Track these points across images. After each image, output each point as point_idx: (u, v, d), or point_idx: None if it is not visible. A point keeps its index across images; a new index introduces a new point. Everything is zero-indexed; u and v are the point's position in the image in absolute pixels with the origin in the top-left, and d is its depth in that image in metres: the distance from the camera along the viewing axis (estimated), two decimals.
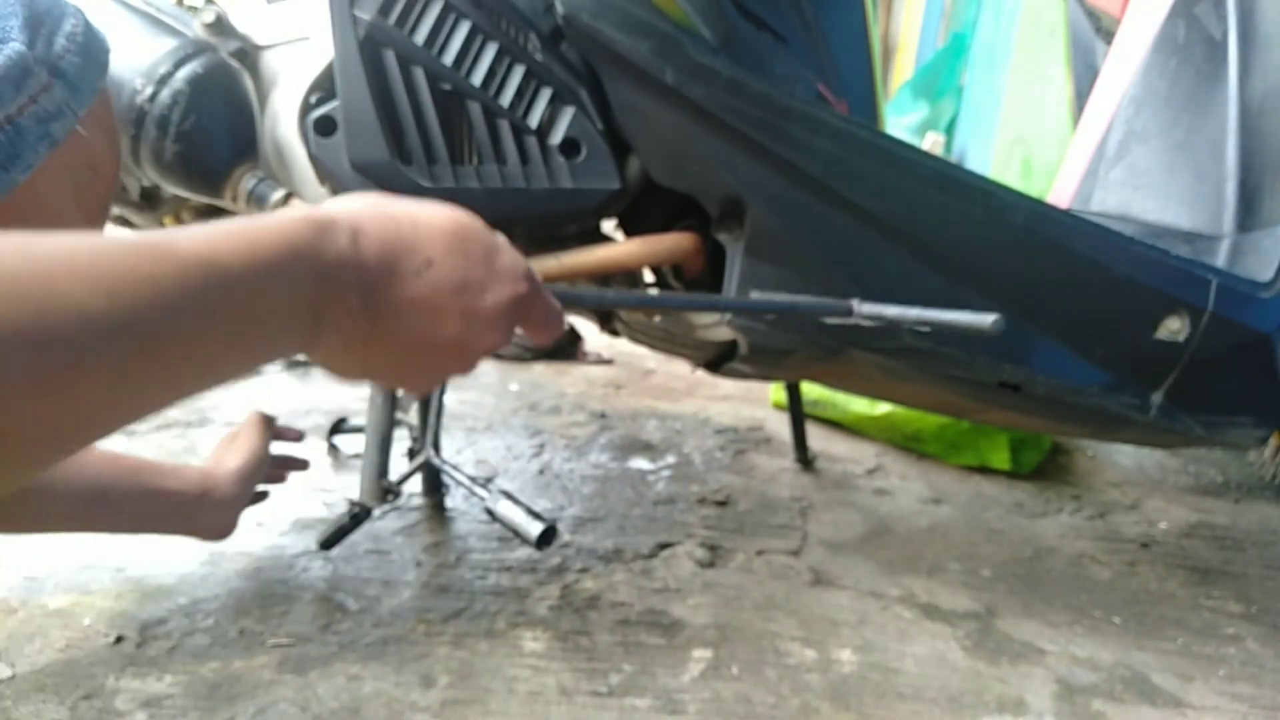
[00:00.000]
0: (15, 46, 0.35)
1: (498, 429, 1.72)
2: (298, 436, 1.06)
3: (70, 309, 0.26)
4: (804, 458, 1.56)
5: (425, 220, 0.43)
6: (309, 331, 0.36)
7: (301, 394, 1.93)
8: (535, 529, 0.96)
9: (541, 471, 1.46)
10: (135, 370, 0.29)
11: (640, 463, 1.55)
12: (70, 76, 0.37)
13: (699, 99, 0.79)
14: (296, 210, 0.38)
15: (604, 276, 0.94)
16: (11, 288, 0.25)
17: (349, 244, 0.37)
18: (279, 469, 1.04)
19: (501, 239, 0.49)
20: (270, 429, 0.99)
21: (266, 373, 2.11)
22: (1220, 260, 0.97)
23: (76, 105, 0.38)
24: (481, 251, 0.45)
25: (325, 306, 0.36)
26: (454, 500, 1.29)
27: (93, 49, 0.39)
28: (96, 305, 0.27)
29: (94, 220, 0.43)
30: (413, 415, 1.23)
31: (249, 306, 0.32)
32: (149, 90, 0.84)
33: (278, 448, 1.03)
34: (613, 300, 0.73)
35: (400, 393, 1.14)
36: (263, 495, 1.03)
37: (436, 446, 1.23)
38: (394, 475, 1.10)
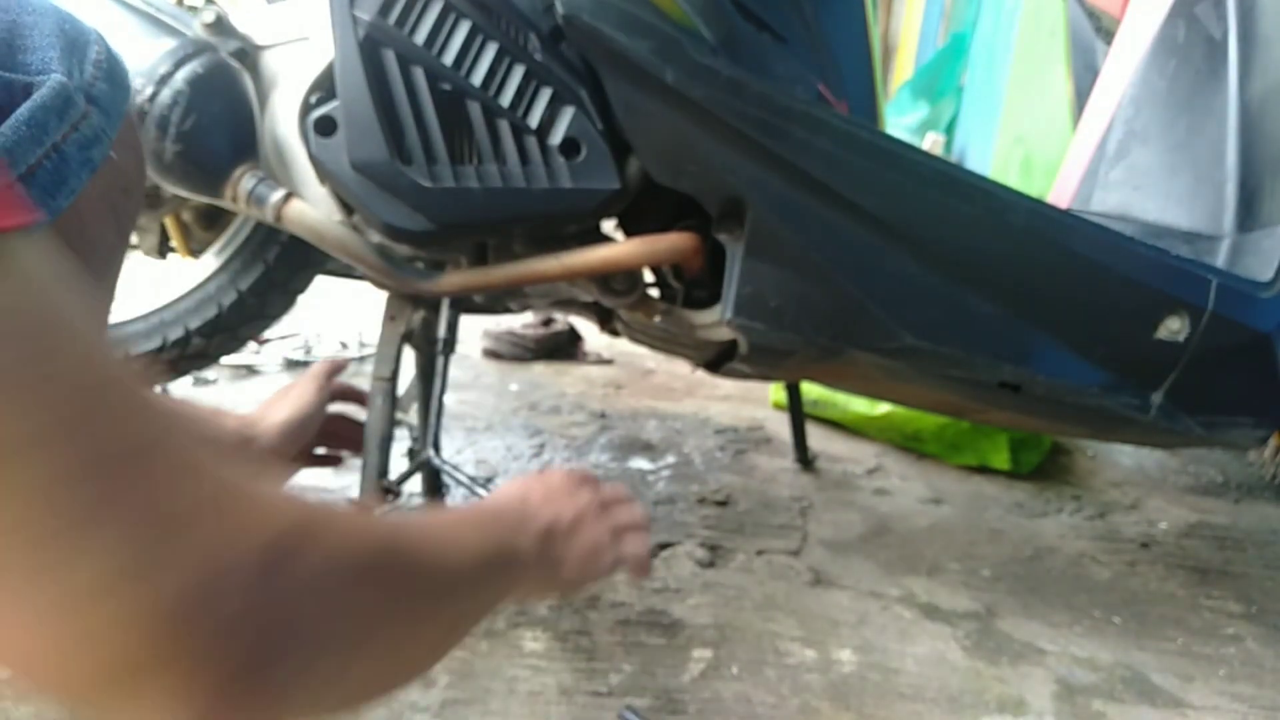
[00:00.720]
0: (57, 77, 0.36)
1: (498, 429, 1.72)
2: (360, 398, 0.96)
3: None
4: (804, 458, 1.57)
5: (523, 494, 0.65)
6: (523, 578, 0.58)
7: None
8: None
9: (542, 472, 1.46)
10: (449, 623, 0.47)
11: (640, 463, 1.55)
12: (103, 102, 0.39)
13: (699, 99, 0.79)
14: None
15: (604, 276, 0.94)
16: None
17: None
18: (335, 433, 0.93)
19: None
20: (331, 383, 0.89)
21: (267, 373, 2.11)
22: (1220, 260, 0.97)
23: (110, 130, 0.39)
24: (564, 486, 0.69)
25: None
26: (454, 500, 1.29)
27: (117, 74, 0.40)
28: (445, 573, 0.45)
29: (125, 238, 0.45)
30: (413, 415, 1.23)
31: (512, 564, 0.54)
32: (149, 90, 0.84)
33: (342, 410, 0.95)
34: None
35: (400, 392, 1.14)
36: (328, 459, 0.93)
37: (437, 446, 1.23)
38: (394, 475, 1.10)
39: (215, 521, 0.31)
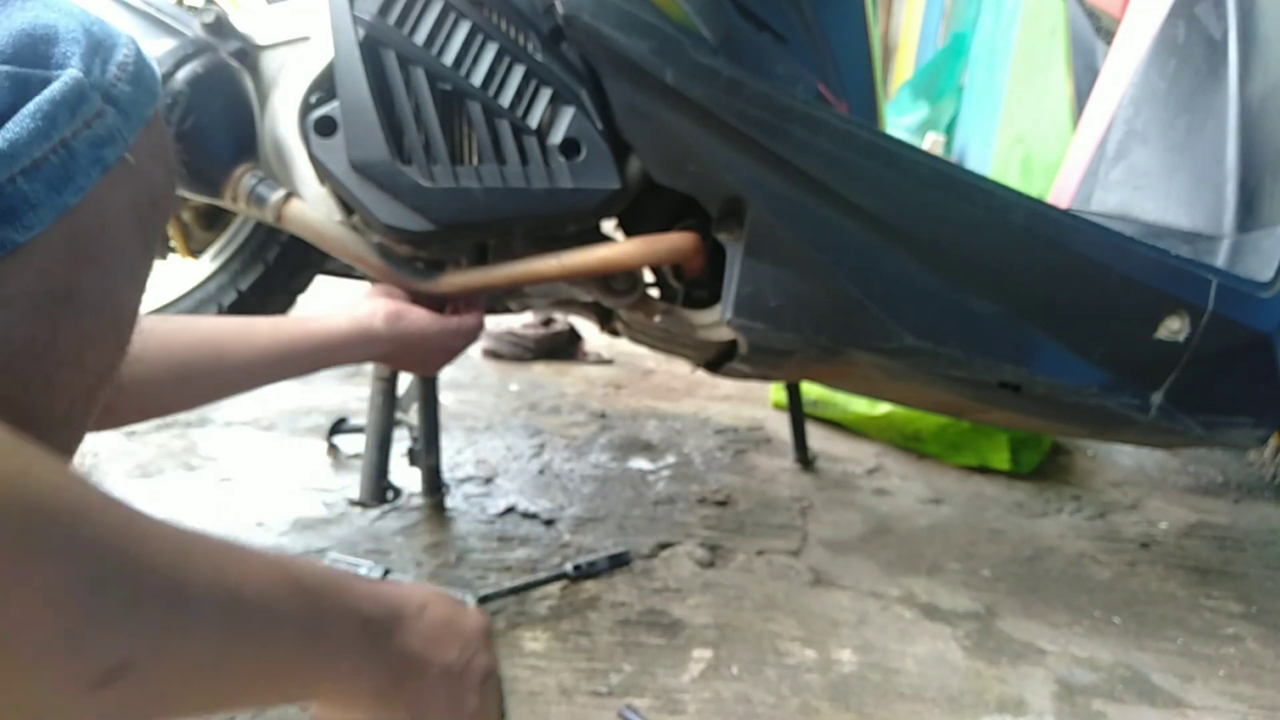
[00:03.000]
0: (73, 73, 0.36)
1: (498, 429, 1.72)
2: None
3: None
4: (804, 458, 1.57)
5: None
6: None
7: (302, 394, 1.93)
8: None
9: (541, 471, 1.46)
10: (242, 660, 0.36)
11: (640, 463, 1.55)
12: (122, 104, 0.38)
13: (699, 99, 0.79)
14: (376, 600, 0.46)
15: (604, 276, 0.94)
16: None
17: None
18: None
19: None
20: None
21: None
22: (1220, 260, 0.97)
23: (127, 132, 0.39)
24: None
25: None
26: (454, 500, 1.29)
27: (144, 77, 0.40)
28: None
29: (152, 252, 0.44)
30: (413, 415, 1.23)
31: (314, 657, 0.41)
32: None
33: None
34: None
35: (400, 392, 1.14)
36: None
37: (436, 447, 1.23)
38: (394, 475, 1.10)
39: None
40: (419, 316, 0.88)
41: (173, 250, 1.21)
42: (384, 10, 0.83)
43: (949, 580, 1.14)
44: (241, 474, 1.36)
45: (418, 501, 1.26)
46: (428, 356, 0.92)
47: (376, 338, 0.85)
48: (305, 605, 0.40)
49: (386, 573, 1.03)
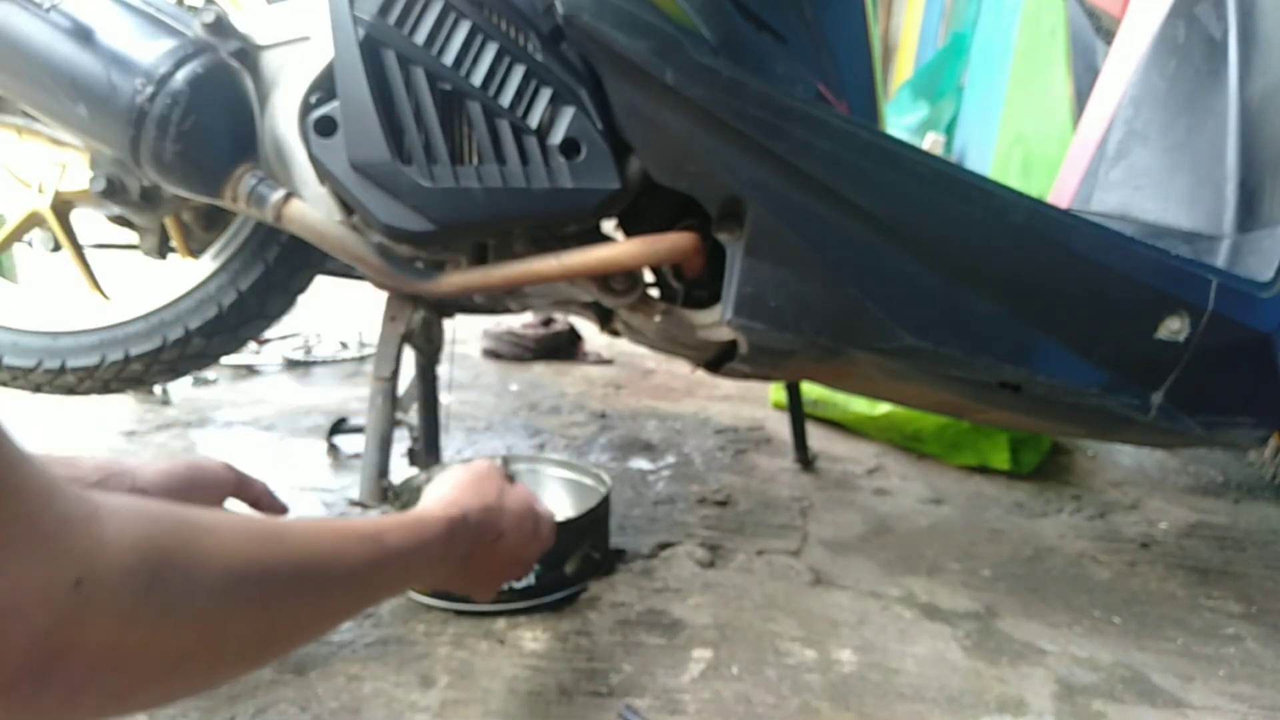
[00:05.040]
0: None
1: (498, 429, 1.72)
2: (271, 506, 0.80)
3: (322, 565, 0.47)
4: (804, 458, 1.57)
5: (507, 508, 0.72)
6: (430, 580, 0.70)
7: (301, 394, 1.93)
8: None
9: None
10: (337, 607, 0.51)
11: (640, 463, 1.55)
12: None
13: (699, 99, 0.79)
14: (437, 512, 0.63)
15: (604, 276, 0.94)
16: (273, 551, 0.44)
17: (463, 535, 0.65)
18: (254, 501, 0.79)
19: (544, 510, 0.79)
20: (241, 476, 0.77)
21: (267, 373, 2.11)
22: (1220, 260, 0.97)
23: None
24: (533, 525, 0.75)
25: (444, 566, 0.64)
26: None
27: None
28: (337, 567, 0.49)
29: None
30: (413, 415, 1.23)
31: (407, 574, 0.59)
32: (149, 90, 0.84)
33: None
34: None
35: (400, 392, 1.14)
36: None
37: (436, 447, 1.23)
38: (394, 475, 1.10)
39: (24, 546, 0.31)
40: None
41: (173, 250, 1.21)
42: (384, 10, 0.83)
43: (949, 580, 1.14)
44: None
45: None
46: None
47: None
48: (395, 565, 0.56)
49: None
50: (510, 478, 0.77)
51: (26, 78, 0.88)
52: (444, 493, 0.69)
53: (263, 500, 0.78)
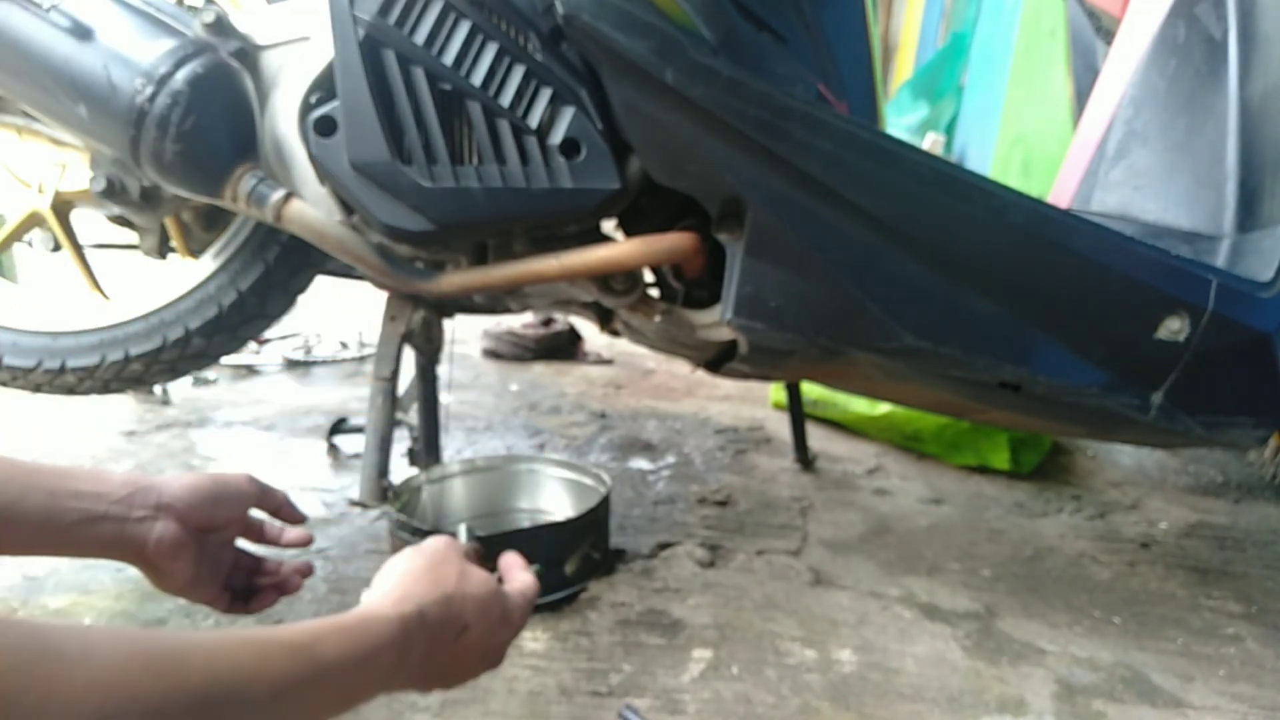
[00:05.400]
0: None
1: (498, 429, 1.72)
2: (290, 516, 0.77)
3: (234, 691, 0.39)
4: (804, 458, 1.57)
5: (470, 594, 0.60)
6: (382, 691, 0.53)
7: (301, 394, 1.93)
8: None
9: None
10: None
11: (640, 463, 1.55)
12: None
13: (699, 99, 0.79)
14: (387, 609, 0.53)
15: (604, 276, 0.94)
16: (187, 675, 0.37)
17: (419, 635, 0.54)
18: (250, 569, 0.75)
19: (513, 590, 0.66)
20: (263, 489, 0.74)
21: (267, 373, 2.11)
22: (1220, 260, 0.97)
23: None
24: (499, 611, 0.62)
25: (399, 674, 0.53)
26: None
27: None
28: (256, 690, 0.40)
29: None
30: (413, 415, 1.23)
31: (352, 689, 0.49)
32: (149, 90, 0.84)
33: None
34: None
35: (400, 392, 1.14)
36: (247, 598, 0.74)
37: (436, 447, 1.23)
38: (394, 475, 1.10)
39: None
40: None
41: (173, 250, 1.21)
42: (384, 10, 0.83)
43: (949, 580, 1.14)
44: None
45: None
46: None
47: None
48: (337, 682, 0.47)
49: None
50: (470, 554, 0.65)
51: (26, 78, 0.88)
52: (393, 584, 0.57)
53: (283, 510, 0.75)
